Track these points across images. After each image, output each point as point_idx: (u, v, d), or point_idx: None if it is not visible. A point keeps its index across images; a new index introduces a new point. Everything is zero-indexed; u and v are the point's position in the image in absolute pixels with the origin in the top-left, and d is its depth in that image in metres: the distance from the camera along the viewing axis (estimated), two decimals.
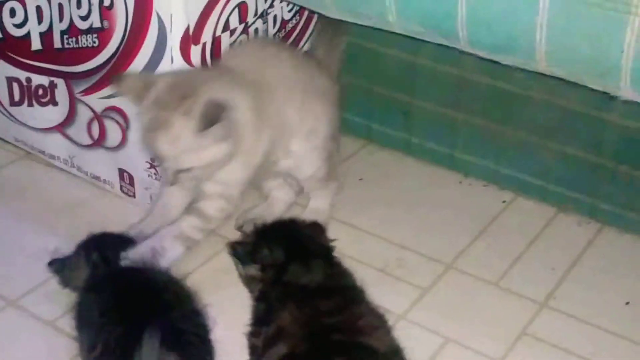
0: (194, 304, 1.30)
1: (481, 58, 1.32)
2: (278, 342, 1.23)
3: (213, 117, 1.35)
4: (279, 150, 1.51)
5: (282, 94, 1.49)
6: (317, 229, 1.46)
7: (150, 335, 1.16)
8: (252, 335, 1.31)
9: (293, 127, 1.52)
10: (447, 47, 1.32)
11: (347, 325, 1.24)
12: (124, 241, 1.43)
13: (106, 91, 1.57)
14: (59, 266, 1.43)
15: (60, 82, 1.63)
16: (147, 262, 1.39)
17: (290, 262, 1.35)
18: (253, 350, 1.30)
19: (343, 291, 1.32)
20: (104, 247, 1.40)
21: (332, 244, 1.43)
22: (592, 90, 1.23)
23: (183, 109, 1.36)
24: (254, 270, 1.38)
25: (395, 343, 1.27)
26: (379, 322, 1.28)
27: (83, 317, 1.30)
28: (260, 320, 1.32)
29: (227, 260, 1.51)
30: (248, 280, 1.40)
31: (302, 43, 1.75)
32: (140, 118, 1.42)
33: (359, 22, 1.39)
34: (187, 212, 1.49)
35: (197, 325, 1.27)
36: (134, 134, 1.56)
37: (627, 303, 1.48)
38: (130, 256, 1.40)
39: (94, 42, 1.53)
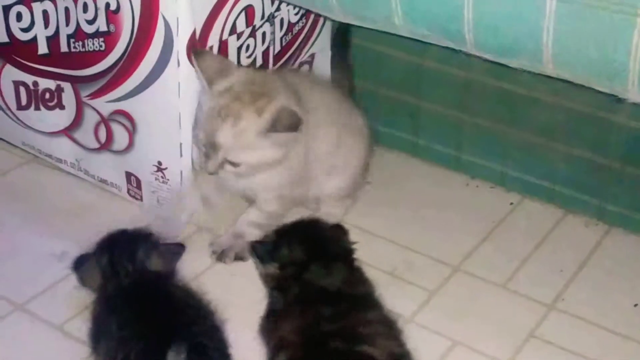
0: (214, 319, 1.31)
1: (487, 60, 1.32)
2: (279, 352, 1.24)
3: (285, 123, 1.39)
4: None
5: (319, 128, 1.52)
6: (339, 231, 1.46)
7: (177, 351, 1.17)
8: (266, 320, 1.32)
9: (320, 161, 1.54)
10: (454, 49, 1.32)
11: (347, 332, 1.23)
12: (140, 240, 1.40)
13: (113, 95, 1.57)
14: (77, 265, 1.40)
15: (66, 86, 1.63)
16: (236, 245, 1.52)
17: (309, 262, 1.35)
18: (265, 336, 1.31)
19: (353, 297, 1.31)
20: (116, 249, 1.37)
21: (353, 246, 1.43)
22: (599, 91, 1.23)
23: (256, 106, 1.40)
24: (273, 268, 1.39)
25: (398, 351, 1.25)
26: (383, 329, 1.27)
27: (100, 329, 1.29)
28: (275, 307, 1.33)
29: (234, 263, 1.51)
30: (267, 279, 1.40)
31: (308, 46, 1.75)
32: (205, 100, 1.45)
33: (365, 25, 1.39)
34: (251, 206, 1.56)
35: (218, 341, 1.27)
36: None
37: (636, 305, 1.48)
38: (217, 242, 1.53)
39: (101, 46, 1.53)
